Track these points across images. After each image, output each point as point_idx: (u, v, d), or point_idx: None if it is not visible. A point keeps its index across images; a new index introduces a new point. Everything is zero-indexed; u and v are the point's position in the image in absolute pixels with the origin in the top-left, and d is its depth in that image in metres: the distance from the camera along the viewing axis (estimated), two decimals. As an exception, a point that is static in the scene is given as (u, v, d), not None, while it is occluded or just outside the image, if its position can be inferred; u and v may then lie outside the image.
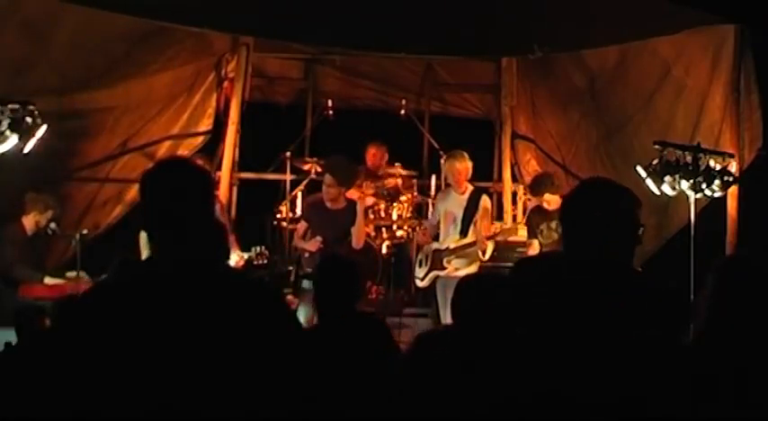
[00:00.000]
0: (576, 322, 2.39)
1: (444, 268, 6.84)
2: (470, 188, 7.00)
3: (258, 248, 6.70)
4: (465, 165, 6.95)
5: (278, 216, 8.47)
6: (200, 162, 6.59)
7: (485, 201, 6.96)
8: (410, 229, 8.39)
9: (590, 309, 2.41)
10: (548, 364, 2.37)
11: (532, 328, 2.44)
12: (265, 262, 6.71)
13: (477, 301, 3.29)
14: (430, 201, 8.44)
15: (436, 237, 7.12)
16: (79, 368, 2.18)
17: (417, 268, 7.18)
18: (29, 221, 6.88)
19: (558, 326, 2.41)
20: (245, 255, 6.62)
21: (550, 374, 2.36)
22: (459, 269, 6.77)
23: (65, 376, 2.19)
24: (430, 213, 7.42)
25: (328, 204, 6.68)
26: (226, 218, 6.91)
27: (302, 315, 6.21)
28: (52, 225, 6.94)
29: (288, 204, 8.43)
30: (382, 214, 8.48)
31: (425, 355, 3.22)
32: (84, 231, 7.04)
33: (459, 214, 6.90)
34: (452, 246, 6.86)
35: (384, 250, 8.28)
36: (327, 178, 6.67)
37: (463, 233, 6.85)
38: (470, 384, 2.83)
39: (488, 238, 6.77)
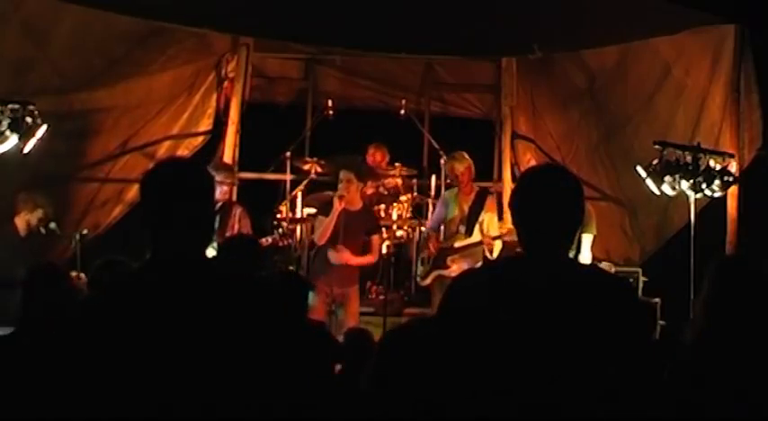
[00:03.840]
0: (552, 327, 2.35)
1: (448, 267, 6.83)
2: (476, 189, 7.03)
3: (279, 230, 6.91)
4: (466, 165, 6.96)
5: (278, 216, 8.46)
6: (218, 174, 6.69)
7: (490, 200, 6.98)
8: (410, 229, 8.39)
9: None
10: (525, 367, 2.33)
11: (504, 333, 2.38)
12: (289, 243, 6.84)
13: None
14: (430, 201, 8.44)
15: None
16: (79, 369, 2.18)
17: (419, 266, 7.19)
18: (20, 221, 6.86)
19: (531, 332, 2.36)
20: (270, 239, 6.72)
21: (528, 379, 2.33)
22: (463, 269, 6.76)
23: (65, 377, 2.19)
24: (430, 215, 7.40)
25: (347, 207, 6.65)
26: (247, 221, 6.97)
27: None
28: (52, 225, 6.92)
29: (288, 204, 8.42)
30: (382, 214, 8.48)
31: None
32: (84, 231, 7.04)
33: (465, 214, 6.91)
34: (457, 245, 6.86)
35: (384, 250, 8.27)
36: (343, 175, 6.68)
37: (468, 232, 6.86)
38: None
39: (495, 238, 6.77)
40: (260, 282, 2.48)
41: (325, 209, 6.83)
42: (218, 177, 6.61)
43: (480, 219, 6.90)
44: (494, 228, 6.90)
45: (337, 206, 6.59)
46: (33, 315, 3.60)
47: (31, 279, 3.77)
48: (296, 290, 4.16)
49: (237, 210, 6.90)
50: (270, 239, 6.76)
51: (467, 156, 7.08)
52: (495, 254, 6.84)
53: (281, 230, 6.91)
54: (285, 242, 6.90)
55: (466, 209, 6.94)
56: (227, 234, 6.62)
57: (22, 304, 3.68)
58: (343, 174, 6.69)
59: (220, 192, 6.69)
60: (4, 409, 3.22)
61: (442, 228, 7.12)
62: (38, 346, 3.25)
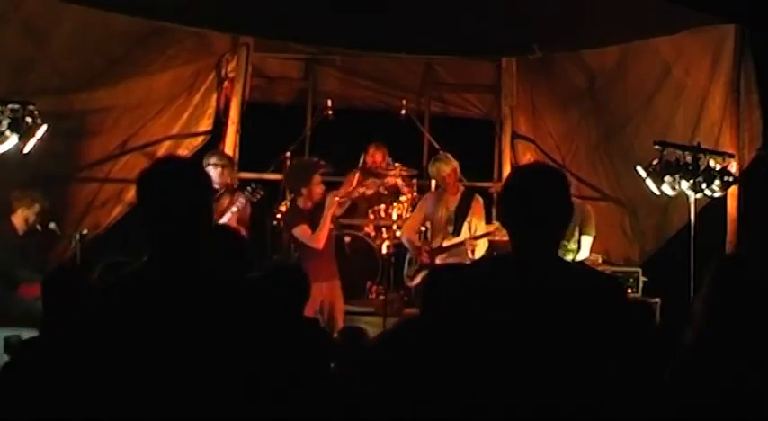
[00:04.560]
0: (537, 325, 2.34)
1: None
2: (462, 189, 7.00)
3: (250, 186, 6.63)
4: (452, 167, 6.94)
5: (278, 216, 8.46)
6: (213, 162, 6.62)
7: (477, 200, 6.96)
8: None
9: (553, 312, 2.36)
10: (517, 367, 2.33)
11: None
12: (260, 196, 6.63)
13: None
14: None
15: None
16: (80, 369, 2.18)
17: (407, 266, 7.18)
18: (18, 219, 6.85)
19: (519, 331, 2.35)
20: (242, 199, 6.49)
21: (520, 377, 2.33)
22: None
23: (65, 378, 2.19)
24: (414, 216, 7.34)
25: (309, 204, 6.55)
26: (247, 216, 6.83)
27: None
28: (52, 224, 6.92)
29: (288, 204, 8.41)
30: (382, 214, 8.47)
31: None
32: (84, 231, 7.03)
33: (452, 215, 6.90)
34: (444, 244, 6.86)
35: (384, 250, 8.27)
36: (318, 178, 6.60)
37: (456, 232, 6.86)
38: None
39: (476, 238, 6.78)
40: (257, 283, 2.48)
41: (294, 219, 6.62)
42: (212, 160, 6.61)
43: (468, 219, 6.89)
44: (480, 229, 6.90)
45: (336, 208, 6.55)
46: (52, 318, 3.60)
47: (49, 282, 3.77)
48: (296, 284, 4.14)
49: (240, 198, 6.62)
50: (242, 200, 6.48)
51: (452, 157, 7.07)
52: (478, 254, 6.83)
53: (250, 187, 6.66)
54: (258, 195, 6.61)
55: (452, 209, 6.93)
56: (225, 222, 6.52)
57: (43, 308, 3.68)
58: (318, 178, 6.55)
59: (217, 174, 6.56)
60: (15, 410, 3.22)
61: (429, 228, 7.08)
62: (46, 349, 3.26)
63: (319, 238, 6.42)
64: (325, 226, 6.42)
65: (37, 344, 3.43)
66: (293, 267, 5.16)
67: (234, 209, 6.49)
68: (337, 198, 6.57)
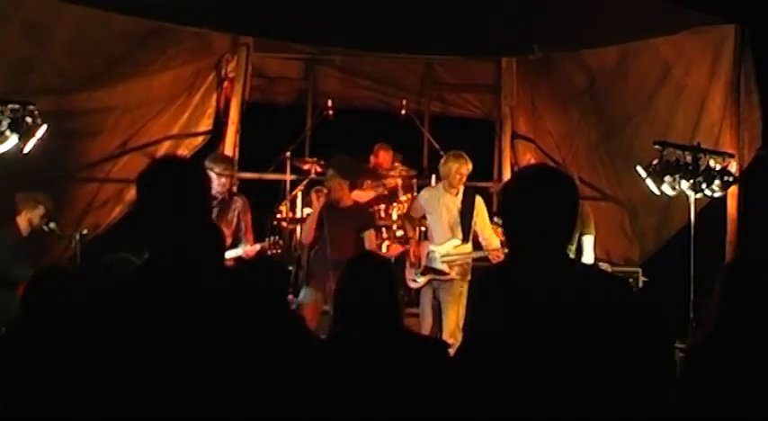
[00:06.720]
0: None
1: (446, 273, 6.72)
2: (461, 188, 6.87)
3: (272, 238, 6.66)
4: (468, 168, 6.81)
5: (278, 216, 8.47)
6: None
7: (480, 203, 6.86)
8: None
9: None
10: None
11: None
12: (279, 251, 6.67)
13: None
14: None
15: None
16: (79, 367, 2.18)
17: (409, 268, 7.06)
18: (22, 221, 6.85)
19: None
20: (258, 246, 6.50)
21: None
22: (458, 274, 6.73)
23: (63, 376, 2.19)
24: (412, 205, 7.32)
25: (336, 204, 6.69)
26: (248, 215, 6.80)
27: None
28: (52, 224, 6.92)
29: (288, 204, 8.43)
30: (382, 214, 8.47)
31: None
32: (84, 231, 7.03)
33: (456, 217, 6.78)
34: (453, 251, 6.73)
35: (384, 250, 8.27)
36: (331, 174, 6.73)
37: (465, 239, 6.76)
38: None
39: (480, 259, 6.73)
40: (253, 281, 2.48)
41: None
42: (216, 169, 6.44)
43: (473, 220, 6.79)
44: (488, 230, 6.81)
45: (315, 202, 6.75)
46: (32, 315, 3.60)
47: (34, 282, 3.77)
48: (274, 275, 4.13)
49: (237, 204, 6.61)
50: (258, 246, 6.48)
51: (467, 157, 6.94)
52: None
53: (273, 238, 6.66)
54: (275, 250, 6.57)
55: (454, 210, 6.80)
56: (225, 229, 6.49)
57: (22, 304, 3.68)
58: (327, 172, 6.87)
59: (219, 184, 6.49)
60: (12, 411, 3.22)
61: (430, 231, 6.99)
62: (37, 346, 3.25)
63: (305, 234, 6.89)
64: (309, 225, 6.77)
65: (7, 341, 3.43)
66: (272, 260, 5.24)
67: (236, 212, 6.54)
68: (320, 202, 6.71)
